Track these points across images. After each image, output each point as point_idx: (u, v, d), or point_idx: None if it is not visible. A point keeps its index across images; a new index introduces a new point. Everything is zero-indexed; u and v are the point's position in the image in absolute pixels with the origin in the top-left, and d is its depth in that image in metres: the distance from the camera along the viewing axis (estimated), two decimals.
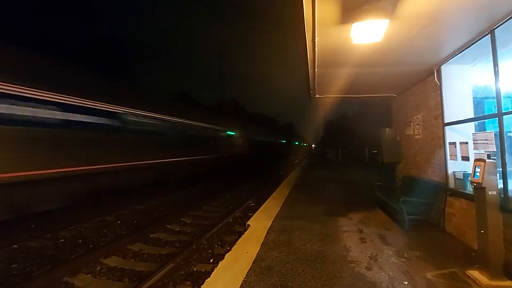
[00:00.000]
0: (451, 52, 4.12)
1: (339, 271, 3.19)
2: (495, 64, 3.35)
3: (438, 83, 4.68)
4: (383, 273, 3.13)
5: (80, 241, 5.44)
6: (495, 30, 3.26)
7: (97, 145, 7.94)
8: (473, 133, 3.87)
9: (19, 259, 4.58)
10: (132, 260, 4.53)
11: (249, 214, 6.43)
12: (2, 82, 5.78)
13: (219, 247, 5.03)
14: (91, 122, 7.80)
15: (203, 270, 4.05)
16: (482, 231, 2.99)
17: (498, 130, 3.33)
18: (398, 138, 7.05)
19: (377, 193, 6.20)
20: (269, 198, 7.47)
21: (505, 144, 3.24)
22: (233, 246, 3.99)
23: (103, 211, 7.27)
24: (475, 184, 3.07)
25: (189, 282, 3.78)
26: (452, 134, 4.49)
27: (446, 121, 4.56)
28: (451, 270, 3.18)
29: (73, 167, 7.10)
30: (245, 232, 4.62)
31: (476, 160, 3.15)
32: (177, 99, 25.87)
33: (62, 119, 6.95)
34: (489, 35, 3.35)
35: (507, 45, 3.54)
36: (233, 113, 29.36)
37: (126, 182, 9.09)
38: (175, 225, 6.39)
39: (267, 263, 3.39)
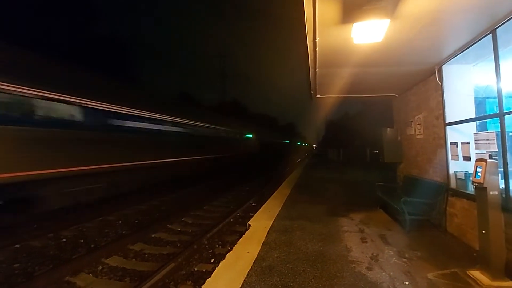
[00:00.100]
0: (452, 52, 4.11)
1: (340, 271, 3.19)
2: (497, 64, 3.34)
3: (439, 83, 4.67)
4: (384, 273, 3.12)
5: (82, 240, 5.46)
6: (497, 29, 3.25)
7: (159, 146, 10.63)
8: (474, 133, 3.86)
9: (21, 258, 4.61)
10: (134, 260, 4.54)
11: (250, 214, 6.44)
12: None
13: (220, 247, 5.04)
14: (160, 130, 10.68)
15: (204, 270, 4.05)
16: (483, 231, 2.99)
17: (499, 130, 3.32)
18: (399, 138, 7.03)
19: (378, 193, 6.19)
20: (270, 198, 7.48)
21: (507, 144, 3.23)
22: (234, 246, 4.00)
23: (105, 211, 7.30)
24: (476, 184, 3.06)
25: (190, 282, 3.79)
26: (453, 134, 4.48)
27: (447, 121, 4.55)
28: (453, 270, 3.17)
29: (144, 161, 9.44)
30: (246, 232, 4.63)
31: (477, 160, 3.14)
32: (179, 100, 26.59)
33: (138, 128, 9.41)
34: (491, 34, 3.34)
35: (509, 45, 3.53)
36: (234, 113, 29.60)
37: (178, 172, 11.96)
38: (176, 225, 6.41)
39: (268, 263, 3.39)
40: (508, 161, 3.20)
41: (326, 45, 3.74)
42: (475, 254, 3.46)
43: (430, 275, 3.07)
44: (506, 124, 3.28)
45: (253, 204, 8.32)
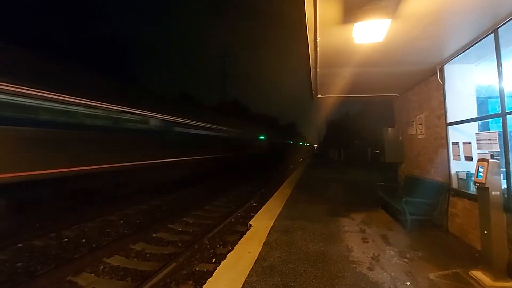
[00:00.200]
0: (454, 52, 4.10)
1: (341, 271, 3.18)
2: (499, 64, 3.33)
3: (441, 83, 4.65)
4: (385, 274, 3.12)
5: (83, 240, 5.48)
6: (499, 29, 3.23)
7: (201, 146, 14.04)
8: (476, 133, 3.85)
9: (24, 258, 4.63)
10: (135, 259, 4.55)
11: (251, 214, 6.45)
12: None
13: (221, 246, 5.05)
14: (203, 134, 14.44)
15: (205, 270, 4.06)
16: (485, 232, 2.97)
17: (501, 130, 3.30)
18: (400, 138, 7.02)
19: (380, 193, 6.18)
20: (271, 198, 7.48)
21: (509, 144, 3.21)
22: (235, 246, 4.00)
23: (106, 210, 7.32)
24: (478, 184, 3.05)
25: (191, 281, 3.79)
26: (455, 134, 4.46)
27: (449, 121, 4.53)
28: (454, 270, 3.16)
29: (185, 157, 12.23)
30: (247, 232, 4.63)
31: (479, 160, 3.13)
32: (180, 100, 27.25)
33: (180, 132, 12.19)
34: (493, 34, 3.33)
35: (511, 44, 3.51)
36: (234, 113, 30.07)
37: (217, 166, 15.72)
38: (178, 224, 6.42)
39: (269, 263, 3.39)
40: (510, 161, 3.18)
41: (327, 45, 3.73)
42: (477, 255, 3.45)
43: (431, 276, 3.06)
44: (508, 124, 3.26)
45: (254, 204, 8.32)
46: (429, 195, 4.73)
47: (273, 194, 8.10)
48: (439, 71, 4.66)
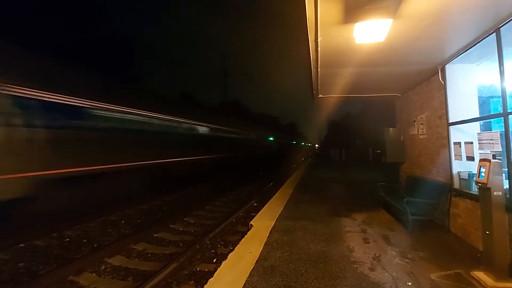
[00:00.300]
0: (456, 51, 4.09)
1: (342, 271, 3.18)
2: (501, 63, 3.31)
3: (443, 83, 4.64)
4: (386, 274, 3.11)
5: (85, 240, 5.50)
6: (501, 28, 3.22)
7: (225, 146, 17.01)
8: (478, 133, 3.84)
9: (26, 257, 4.65)
10: (136, 259, 4.56)
11: (252, 214, 6.45)
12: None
13: (222, 247, 5.05)
14: (227, 137, 17.80)
15: (206, 270, 4.06)
16: (487, 232, 2.96)
17: (503, 130, 3.29)
18: (402, 138, 7.00)
19: (381, 193, 6.16)
20: (272, 198, 7.47)
21: (511, 143, 3.20)
22: (236, 246, 4.00)
23: (108, 210, 7.34)
24: (480, 184, 3.04)
25: (193, 281, 3.80)
26: (456, 134, 4.45)
27: (450, 121, 4.52)
28: (456, 271, 3.15)
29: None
30: (248, 232, 4.63)
31: (481, 160, 3.12)
32: (181, 100, 27.61)
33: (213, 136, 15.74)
34: (494, 33, 3.32)
35: None
36: (235, 113, 30.48)
37: (232, 163, 17.98)
38: (179, 224, 6.43)
39: (270, 263, 3.39)
40: None
41: (328, 45, 3.73)
42: (478, 255, 3.44)
43: (433, 276, 3.05)
44: (510, 124, 3.24)
45: (255, 204, 8.32)
46: (430, 195, 4.72)
47: (274, 194, 8.10)
48: (441, 71, 4.65)
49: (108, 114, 7.88)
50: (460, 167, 4.39)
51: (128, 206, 7.96)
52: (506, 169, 3.20)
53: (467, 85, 4.47)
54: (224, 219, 6.64)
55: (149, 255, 4.73)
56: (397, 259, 3.52)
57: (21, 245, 5.12)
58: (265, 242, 4.09)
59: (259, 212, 5.94)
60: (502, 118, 3.34)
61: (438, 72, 4.70)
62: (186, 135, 12.44)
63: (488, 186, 2.92)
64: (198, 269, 4.15)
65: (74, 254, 4.82)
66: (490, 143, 3.44)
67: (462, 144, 4.23)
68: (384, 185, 6.40)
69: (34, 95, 5.96)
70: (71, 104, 6.75)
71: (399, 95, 7.03)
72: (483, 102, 4.53)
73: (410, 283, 2.91)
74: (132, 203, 8.20)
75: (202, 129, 14.10)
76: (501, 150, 3.29)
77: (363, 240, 4.22)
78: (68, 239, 5.54)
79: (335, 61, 4.44)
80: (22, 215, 5.82)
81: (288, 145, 45.35)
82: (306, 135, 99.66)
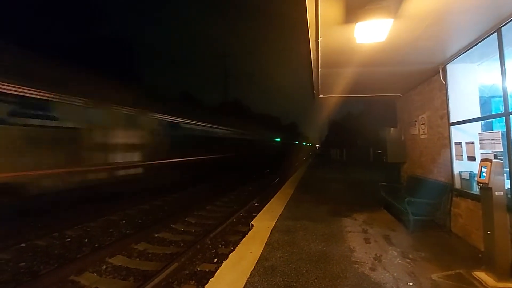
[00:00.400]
0: (457, 51, 4.08)
1: (343, 271, 3.18)
2: (502, 63, 3.31)
3: (444, 82, 4.63)
4: (387, 274, 3.11)
5: (86, 240, 5.51)
6: (502, 28, 3.21)
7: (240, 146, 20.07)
8: (479, 133, 3.83)
9: (27, 257, 4.66)
10: (137, 259, 4.57)
11: (253, 214, 6.44)
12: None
13: (223, 247, 5.05)
14: (241, 138, 21.04)
15: (207, 270, 4.07)
16: (488, 232, 2.95)
17: (505, 130, 3.28)
18: (403, 138, 6.99)
19: (382, 193, 6.15)
20: (273, 198, 7.47)
21: None
22: (237, 246, 4.00)
23: (109, 210, 7.35)
24: (481, 184, 3.03)
25: (193, 281, 3.80)
26: (458, 134, 4.44)
27: (452, 121, 4.51)
28: (457, 271, 3.14)
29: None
30: (249, 232, 4.63)
31: (482, 160, 3.11)
32: (181, 100, 27.90)
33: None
34: (496, 33, 3.31)
35: None
36: (236, 113, 30.75)
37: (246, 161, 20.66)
38: (180, 224, 6.43)
39: (270, 263, 3.39)
40: None
41: (329, 45, 3.73)
42: (480, 255, 3.42)
43: (434, 276, 3.05)
44: (511, 124, 3.24)
45: (256, 204, 8.32)
46: (432, 196, 4.71)
47: (275, 194, 8.10)
48: (442, 70, 4.64)
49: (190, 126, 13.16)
50: (461, 167, 4.38)
51: (129, 206, 7.97)
52: (508, 169, 3.19)
53: (468, 85, 4.46)
54: (225, 219, 6.64)
55: (150, 255, 4.74)
56: (398, 259, 3.51)
57: (22, 244, 5.13)
58: (266, 242, 4.09)
59: (260, 212, 5.94)
60: (504, 118, 3.32)
61: (439, 72, 4.70)
62: (220, 138, 17.11)
63: (489, 186, 2.91)
64: (199, 269, 4.15)
65: (75, 254, 4.83)
66: (491, 143, 3.43)
67: (463, 144, 4.22)
68: (385, 185, 6.39)
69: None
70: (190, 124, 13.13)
71: (400, 95, 7.02)
72: (484, 102, 4.52)
73: (411, 283, 2.90)
74: (133, 203, 8.21)
75: (230, 134, 18.80)
76: (502, 150, 3.29)
77: (364, 240, 4.22)
78: (69, 239, 5.55)
79: (335, 61, 4.44)
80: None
81: (291, 145, 50.79)
82: (307, 135, 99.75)
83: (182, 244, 5.23)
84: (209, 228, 6.12)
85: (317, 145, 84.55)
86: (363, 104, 24.80)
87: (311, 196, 7.85)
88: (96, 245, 5.26)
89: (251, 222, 5.14)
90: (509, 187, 3.20)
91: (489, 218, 2.96)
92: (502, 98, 3.35)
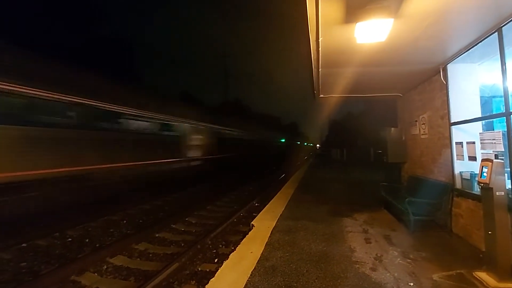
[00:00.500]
0: (457, 51, 4.07)
1: (344, 271, 3.18)
2: (503, 63, 3.30)
3: (444, 82, 4.62)
4: (388, 274, 3.10)
5: (87, 240, 5.52)
6: (503, 28, 3.21)
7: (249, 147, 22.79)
8: (480, 133, 3.82)
9: (28, 257, 4.67)
10: (138, 259, 4.58)
11: (254, 214, 6.44)
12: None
13: (223, 247, 5.06)
14: (252, 139, 24.26)
15: (207, 270, 4.07)
16: (489, 232, 2.95)
17: (506, 130, 3.27)
18: (403, 137, 6.98)
19: (382, 193, 6.15)
20: (274, 198, 7.47)
21: None
22: (237, 246, 4.00)
23: (110, 210, 7.36)
24: (482, 184, 3.03)
25: (194, 281, 3.80)
26: (458, 134, 4.43)
27: (452, 121, 4.50)
28: (458, 271, 3.14)
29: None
30: (250, 232, 4.63)
31: (483, 160, 3.11)
32: (182, 100, 28.02)
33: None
34: (496, 33, 3.30)
35: None
36: (236, 113, 30.95)
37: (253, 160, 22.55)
38: (180, 224, 6.44)
39: (271, 263, 3.39)
40: None
41: (329, 45, 3.72)
42: (481, 255, 3.41)
43: (435, 276, 3.04)
44: None
45: (256, 204, 8.32)
46: (432, 196, 4.70)
47: (275, 194, 8.10)
48: (442, 70, 4.64)
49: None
50: (462, 167, 4.38)
51: (129, 206, 7.98)
52: (509, 169, 3.19)
53: (469, 85, 4.46)
54: (225, 219, 6.64)
55: (150, 255, 4.74)
56: (398, 259, 3.51)
57: (23, 244, 5.14)
58: (267, 242, 4.09)
59: (260, 212, 5.94)
60: (505, 117, 3.32)
61: (439, 72, 4.69)
62: (238, 139, 20.07)
63: (490, 186, 2.91)
64: (199, 269, 4.16)
65: (76, 254, 4.84)
66: (492, 143, 3.42)
67: (464, 144, 4.21)
68: (386, 185, 6.38)
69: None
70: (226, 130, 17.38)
71: (401, 95, 7.01)
72: (485, 102, 4.51)
73: (411, 284, 2.90)
74: (134, 203, 8.22)
75: (245, 136, 21.98)
76: (503, 150, 3.28)
77: (365, 240, 4.21)
78: (70, 239, 5.56)
79: (336, 61, 4.43)
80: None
81: (294, 145, 55.19)
82: (307, 135, 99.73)
83: (182, 244, 5.23)
84: (209, 228, 6.12)
85: (318, 145, 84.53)
86: (364, 104, 24.84)
87: (312, 196, 7.85)
88: (97, 245, 5.26)
89: (252, 222, 5.14)
90: (510, 187, 3.19)
91: (490, 218, 2.95)
92: (503, 98, 3.35)
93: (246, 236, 4.45)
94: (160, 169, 10.32)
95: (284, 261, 3.46)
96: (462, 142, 4.28)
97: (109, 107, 7.57)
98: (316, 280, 2.98)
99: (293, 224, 5.03)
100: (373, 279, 2.99)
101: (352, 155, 27.11)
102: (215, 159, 14.64)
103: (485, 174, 2.97)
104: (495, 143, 3.37)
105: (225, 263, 3.45)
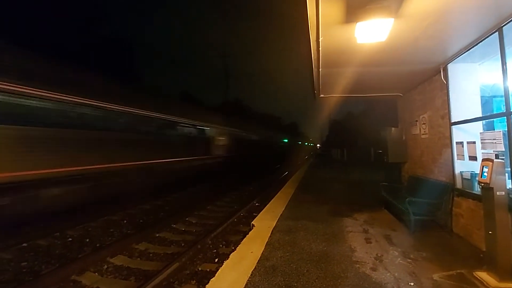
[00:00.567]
0: (458, 51, 4.07)
1: (344, 271, 3.18)
2: (503, 62, 3.30)
3: (445, 82, 4.62)
4: (388, 274, 3.10)
5: (87, 240, 5.52)
6: (503, 27, 3.20)
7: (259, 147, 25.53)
8: (480, 133, 3.82)
9: (29, 257, 4.67)
10: (138, 259, 4.58)
11: (254, 214, 6.44)
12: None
13: (224, 246, 5.06)
14: (260, 139, 26.74)
15: (208, 270, 4.07)
16: (490, 232, 2.95)
17: (506, 129, 3.27)
18: (404, 137, 6.98)
19: (383, 193, 6.14)
20: (274, 198, 7.48)
21: None
22: (237, 246, 4.01)
23: (110, 210, 7.37)
24: (482, 184, 3.03)
25: (194, 281, 3.80)
26: (459, 134, 4.43)
27: (453, 121, 4.50)
28: (459, 271, 3.14)
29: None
30: (250, 232, 4.63)
31: (483, 159, 3.11)
32: (182, 100, 28.22)
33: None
34: (497, 32, 3.30)
35: None
36: (237, 113, 31.00)
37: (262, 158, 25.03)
38: (181, 224, 6.44)
39: (271, 263, 3.39)
40: None
41: (330, 45, 3.72)
42: (481, 255, 3.41)
43: (435, 276, 3.04)
44: None
45: (257, 204, 8.32)
46: (433, 195, 4.70)
47: (276, 194, 8.10)
48: (443, 70, 4.63)
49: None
50: (462, 167, 4.38)
51: (130, 206, 7.99)
52: (509, 169, 3.18)
53: (470, 85, 4.45)
54: (225, 218, 6.64)
55: (151, 254, 4.75)
56: (399, 259, 3.51)
57: (24, 244, 5.15)
58: (267, 242, 4.09)
59: (261, 212, 5.94)
60: (505, 117, 3.32)
61: (440, 72, 4.69)
62: (250, 140, 22.70)
63: (491, 186, 2.91)
64: (200, 268, 4.16)
65: (77, 253, 4.84)
66: (493, 142, 3.42)
67: (465, 144, 4.21)
68: (386, 185, 6.38)
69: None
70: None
71: (401, 94, 7.00)
72: (486, 102, 4.51)
73: (412, 283, 2.90)
74: (134, 203, 8.23)
75: (255, 137, 24.48)
76: (504, 149, 3.28)
77: (365, 240, 4.21)
78: (70, 239, 5.56)
79: (336, 61, 4.43)
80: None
81: (296, 145, 57.68)
82: (308, 135, 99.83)
83: (183, 244, 5.23)
84: (210, 228, 6.12)
85: (318, 145, 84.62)
86: (364, 104, 24.85)
87: (312, 196, 7.85)
88: (98, 245, 5.27)
89: (252, 222, 5.15)
90: (511, 187, 3.19)
91: (490, 218, 2.95)
92: (504, 98, 3.34)
93: (247, 236, 4.46)
94: (199, 164, 13.21)
95: (285, 261, 3.46)
96: (462, 142, 4.27)
97: (177, 120, 11.28)
98: (316, 280, 2.98)
99: (293, 224, 5.03)
100: (373, 279, 2.99)
101: (353, 155, 27.11)
102: (234, 157, 17.65)
103: (485, 174, 2.97)
104: (495, 143, 3.37)
105: (225, 263, 3.46)
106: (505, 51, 3.28)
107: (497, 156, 3.19)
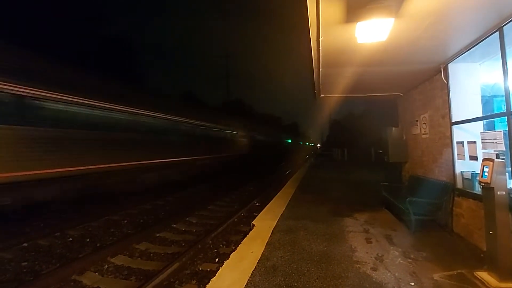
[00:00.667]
0: (458, 50, 4.06)
1: (345, 271, 3.17)
2: (504, 62, 3.29)
3: (445, 82, 4.62)
4: (389, 274, 3.10)
5: (88, 239, 5.53)
6: (504, 27, 3.20)
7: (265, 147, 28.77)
8: (481, 132, 3.81)
9: (29, 257, 4.68)
10: (139, 259, 4.58)
11: (254, 213, 6.45)
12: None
13: (224, 246, 5.06)
14: (268, 140, 31.70)
15: (208, 270, 4.07)
16: (490, 232, 2.95)
17: (507, 129, 3.27)
18: (404, 137, 6.97)
19: (383, 193, 6.14)
20: (274, 198, 7.47)
21: None
22: (238, 246, 4.01)
23: (110, 210, 7.38)
24: (483, 184, 3.02)
25: (195, 281, 3.81)
26: (459, 133, 4.42)
27: (453, 120, 4.49)
28: (459, 271, 3.14)
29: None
30: (250, 232, 4.63)
31: (484, 159, 3.10)
32: (183, 99, 28.63)
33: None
34: (497, 32, 3.29)
35: None
36: (238, 113, 31.04)
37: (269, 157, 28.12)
38: (181, 224, 6.44)
39: (272, 262, 3.39)
40: None
41: (330, 44, 3.72)
42: (482, 255, 3.41)
43: (436, 276, 3.04)
44: None
45: (257, 204, 8.32)
46: (433, 195, 4.70)
47: (276, 194, 8.10)
48: (443, 70, 4.63)
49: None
50: (463, 166, 4.37)
51: (130, 205, 8.00)
52: (510, 169, 3.18)
53: (470, 84, 4.45)
54: (226, 218, 6.65)
55: (151, 254, 4.75)
56: (399, 259, 3.51)
57: (25, 244, 5.16)
58: (267, 242, 4.09)
59: (261, 212, 5.94)
60: (506, 117, 3.31)
61: (440, 71, 4.68)
62: (261, 140, 26.08)
63: (491, 185, 2.90)
64: (200, 268, 4.16)
65: (77, 253, 4.85)
66: (493, 142, 3.41)
67: (465, 144, 4.20)
68: (387, 185, 6.37)
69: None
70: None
71: (402, 94, 7.00)
72: (486, 101, 4.51)
73: (412, 283, 2.90)
74: (134, 203, 8.24)
75: (264, 138, 27.86)
76: (504, 149, 3.27)
77: (366, 240, 4.21)
78: (71, 239, 5.57)
79: (337, 60, 4.43)
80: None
81: (298, 145, 62.21)
82: (308, 135, 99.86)
83: (183, 244, 5.24)
84: (210, 227, 6.12)
85: (318, 145, 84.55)
86: (365, 104, 24.84)
87: (312, 196, 7.84)
88: (98, 244, 5.28)
89: (252, 222, 5.15)
90: (511, 186, 3.18)
91: (491, 218, 2.95)
92: (504, 98, 3.34)
93: (247, 235, 4.46)
94: (222, 160, 16.44)
95: (285, 260, 3.46)
96: (463, 142, 4.27)
97: (212, 126, 15.26)
98: (317, 280, 2.98)
99: (293, 223, 5.03)
100: (374, 279, 2.99)
101: (353, 155, 27.08)
102: (248, 155, 21.16)
103: (486, 173, 2.97)
104: (496, 142, 3.37)
105: (226, 262, 3.46)
106: (506, 51, 3.27)
107: (497, 156, 3.19)
